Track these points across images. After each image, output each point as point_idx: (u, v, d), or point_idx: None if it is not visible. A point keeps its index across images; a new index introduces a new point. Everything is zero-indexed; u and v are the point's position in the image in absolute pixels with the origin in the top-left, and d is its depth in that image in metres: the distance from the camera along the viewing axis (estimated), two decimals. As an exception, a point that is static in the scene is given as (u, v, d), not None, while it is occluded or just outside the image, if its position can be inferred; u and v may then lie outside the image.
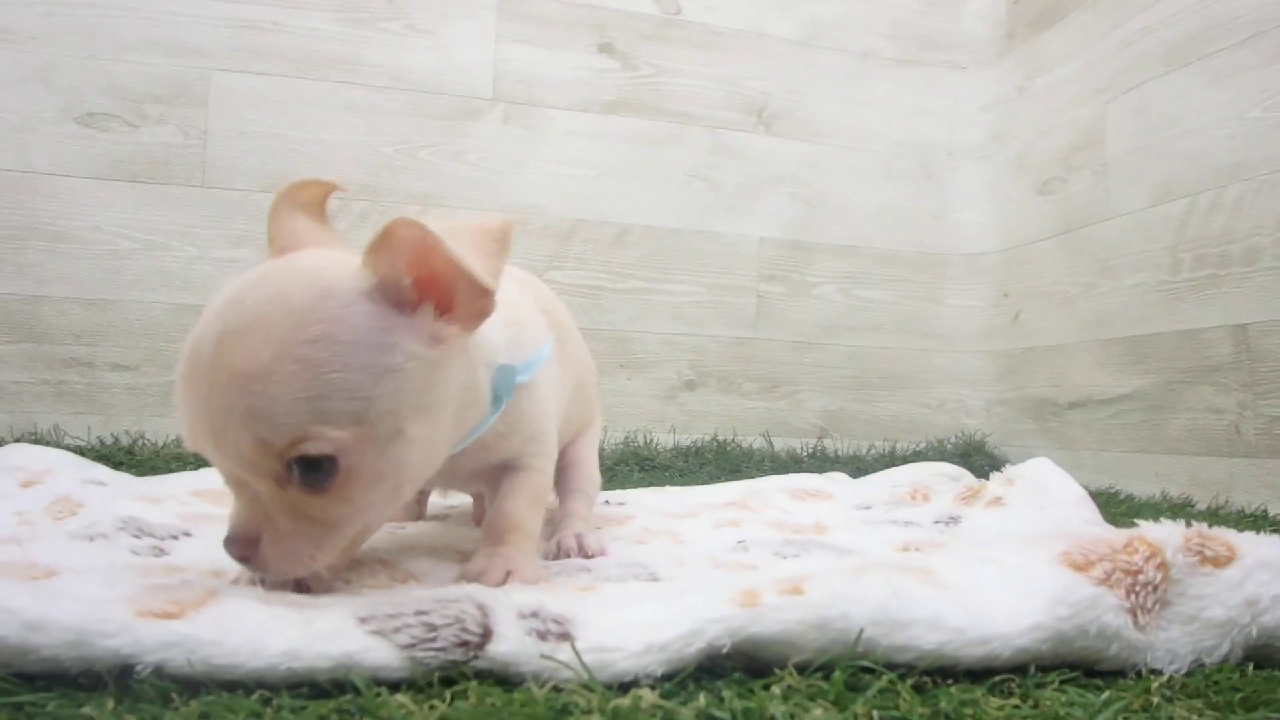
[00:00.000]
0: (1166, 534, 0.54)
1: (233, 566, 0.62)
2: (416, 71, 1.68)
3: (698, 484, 1.49)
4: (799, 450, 1.75)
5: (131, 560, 0.63)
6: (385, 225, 0.52)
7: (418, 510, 0.94)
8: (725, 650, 0.47)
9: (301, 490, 0.51)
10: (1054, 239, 1.69)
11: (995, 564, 0.55)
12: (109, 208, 1.54)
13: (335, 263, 0.54)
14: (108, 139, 1.54)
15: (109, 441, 1.47)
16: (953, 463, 1.68)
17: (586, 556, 0.72)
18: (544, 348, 0.69)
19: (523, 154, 1.72)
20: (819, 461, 1.70)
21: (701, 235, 1.80)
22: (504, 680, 0.45)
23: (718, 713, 0.42)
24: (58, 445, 1.43)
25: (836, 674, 0.46)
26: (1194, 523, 0.57)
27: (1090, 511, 0.85)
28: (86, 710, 0.39)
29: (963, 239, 1.90)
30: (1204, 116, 1.37)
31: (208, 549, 0.68)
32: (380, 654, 0.44)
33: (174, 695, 0.41)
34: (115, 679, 0.42)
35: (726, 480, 1.55)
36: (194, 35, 1.58)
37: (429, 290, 0.54)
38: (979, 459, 1.76)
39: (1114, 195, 1.55)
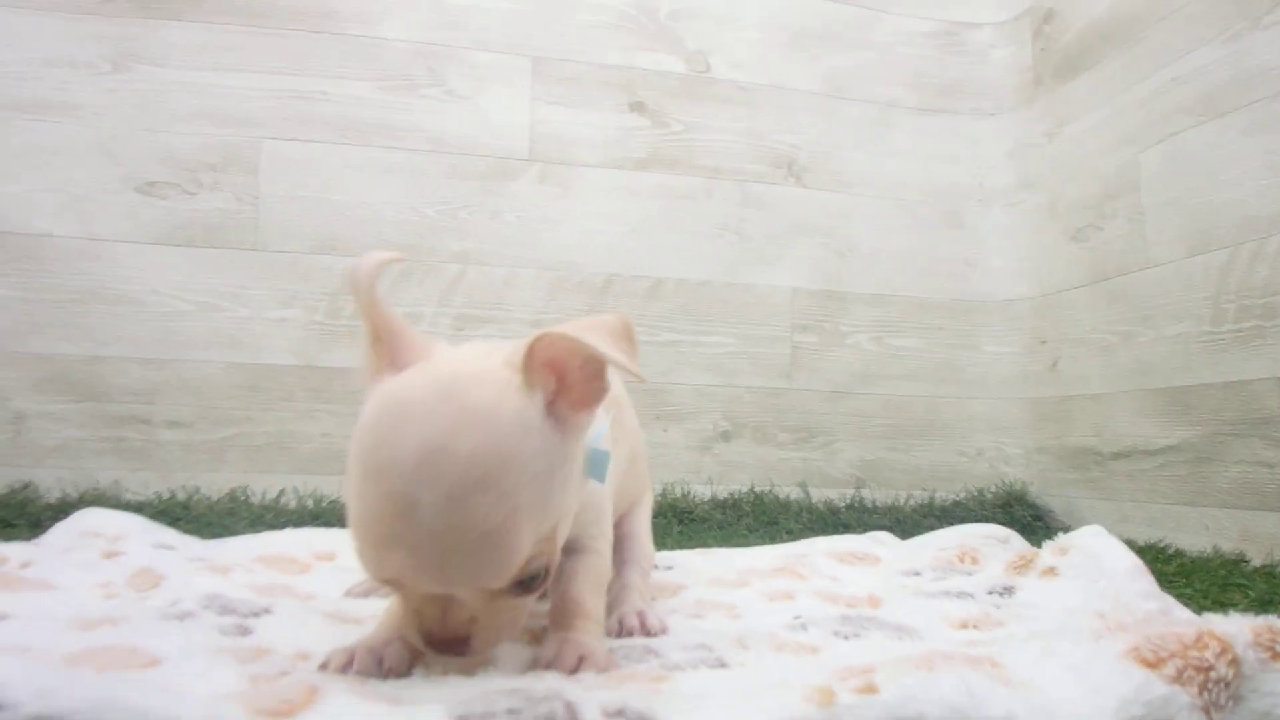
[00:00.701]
0: (1236, 629, 0.54)
1: (317, 649, 0.63)
2: (455, 135, 1.74)
3: (736, 536, 1.49)
4: (836, 501, 1.73)
5: (220, 643, 0.65)
6: (537, 342, 0.54)
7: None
8: None
9: (514, 596, 0.55)
10: (1089, 286, 1.68)
11: (1062, 658, 0.54)
12: (166, 271, 1.62)
13: (502, 379, 0.55)
14: (165, 206, 1.63)
15: (166, 496, 1.52)
16: (994, 513, 1.67)
17: (649, 634, 0.73)
18: (602, 427, 0.69)
19: (558, 211, 1.77)
20: (857, 512, 1.69)
21: (734, 287, 1.82)
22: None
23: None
24: (118, 500, 1.49)
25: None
26: (1263, 616, 0.56)
27: (1146, 583, 0.83)
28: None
29: (995, 285, 1.89)
30: (1239, 167, 1.36)
31: (288, 628, 0.70)
32: (479, 754, 0.45)
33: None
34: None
35: (765, 532, 1.56)
36: (245, 106, 1.67)
37: (561, 387, 0.57)
38: (1020, 509, 1.73)
39: (1151, 244, 1.53)
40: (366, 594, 0.89)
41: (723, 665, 0.63)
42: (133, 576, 0.86)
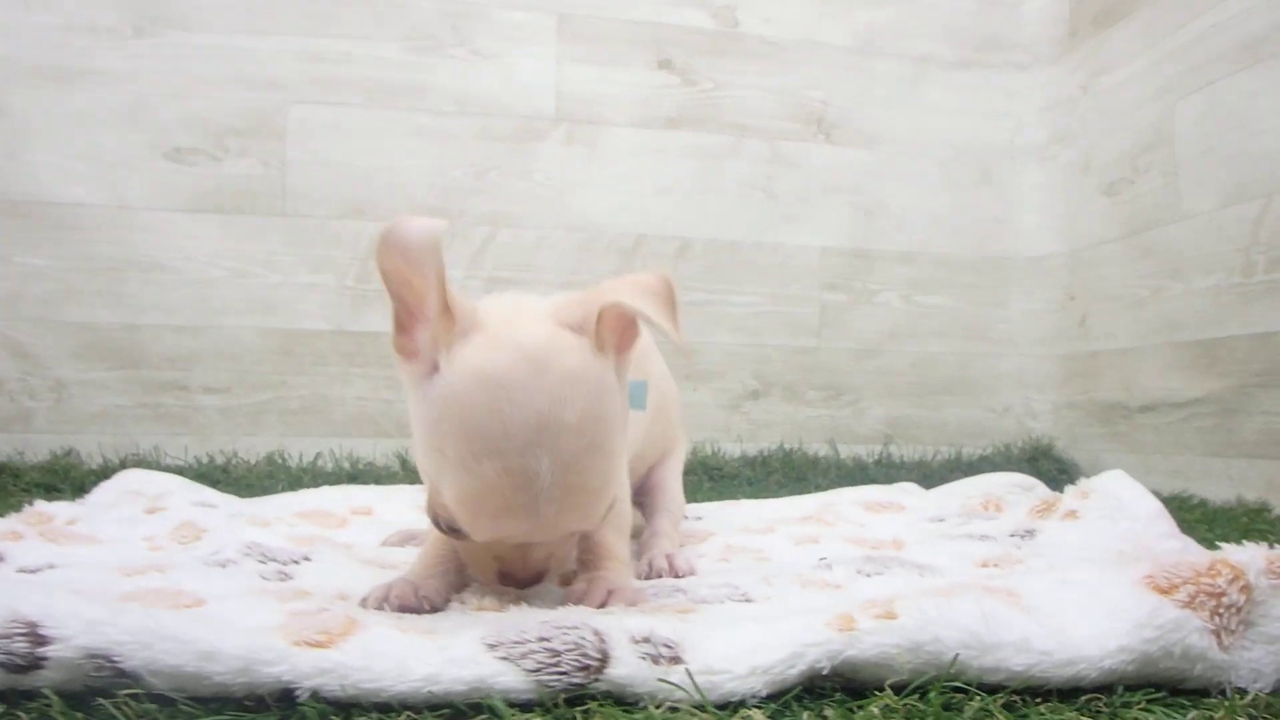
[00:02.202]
0: (1249, 556, 0.55)
1: (356, 590, 0.66)
2: (482, 96, 1.73)
3: (766, 492, 1.51)
4: (864, 457, 1.75)
5: (264, 585, 0.68)
6: (606, 311, 0.58)
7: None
8: (825, 672, 0.50)
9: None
10: (1121, 241, 1.66)
11: (1078, 586, 0.56)
12: (197, 238, 1.63)
13: (577, 345, 0.58)
14: (194, 172, 1.63)
15: (205, 461, 1.55)
16: (1020, 467, 1.68)
17: (677, 576, 0.76)
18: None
19: (586, 172, 1.76)
20: (885, 468, 1.70)
21: (763, 246, 1.81)
22: (621, 701, 0.48)
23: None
24: (158, 465, 1.52)
25: (932, 695, 0.48)
26: (1276, 543, 0.58)
27: (1167, 525, 0.84)
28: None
29: (1026, 242, 1.87)
30: (1277, 116, 1.34)
31: (327, 572, 0.73)
32: (509, 678, 0.48)
33: (332, 716, 0.46)
34: (276, 702, 0.46)
35: (794, 487, 1.58)
36: (271, 70, 1.66)
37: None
38: (1047, 464, 1.74)
39: (1184, 196, 1.51)
40: (403, 543, 0.92)
41: (748, 600, 0.66)
42: (175, 530, 0.89)
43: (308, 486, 1.38)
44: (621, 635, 0.50)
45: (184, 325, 1.62)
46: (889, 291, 1.85)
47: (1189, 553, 0.78)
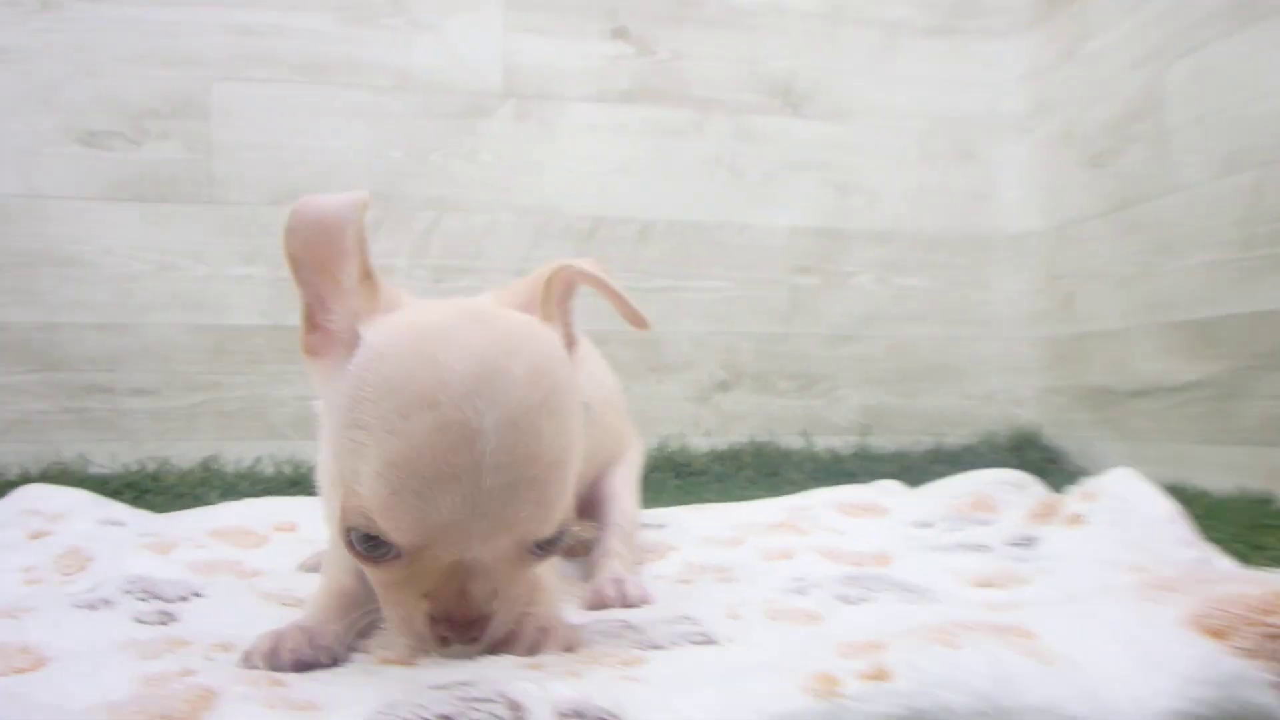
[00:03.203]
0: None
1: (244, 637, 0.56)
2: (422, 69, 1.61)
3: (736, 488, 1.43)
4: (840, 449, 1.67)
5: (132, 635, 0.58)
6: (555, 275, 0.54)
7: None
8: None
9: (536, 557, 0.50)
10: (1107, 216, 1.58)
11: (1107, 625, 0.47)
12: (117, 229, 1.51)
13: (519, 314, 0.53)
14: (112, 157, 1.51)
15: (134, 468, 1.44)
16: (1005, 457, 1.60)
17: (627, 606, 0.66)
18: None
19: (537, 151, 1.65)
20: (862, 460, 1.62)
21: (729, 228, 1.71)
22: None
23: None
24: (83, 474, 1.42)
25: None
26: None
27: (1182, 530, 0.76)
28: None
29: (1006, 219, 1.79)
30: (1274, 77, 1.26)
31: (217, 611, 0.64)
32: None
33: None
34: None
35: (766, 483, 1.49)
36: (191, 45, 1.53)
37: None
38: (1033, 452, 1.66)
39: (1175, 167, 1.43)
40: (320, 566, 0.82)
41: (709, 642, 0.56)
42: (59, 558, 0.80)
43: (244, 494, 1.29)
44: (544, 708, 0.40)
45: (106, 323, 1.51)
46: (863, 273, 1.76)
47: (1212, 566, 0.70)
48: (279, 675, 0.50)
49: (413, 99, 1.61)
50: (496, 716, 0.40)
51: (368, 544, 0.48)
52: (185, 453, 1.50)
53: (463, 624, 0.48)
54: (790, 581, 0.71)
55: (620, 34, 1.69)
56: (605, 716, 0.41)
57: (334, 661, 0.52)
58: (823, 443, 1.68)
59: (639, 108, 1.68)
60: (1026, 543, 0.81)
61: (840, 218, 1.75)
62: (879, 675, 0.43)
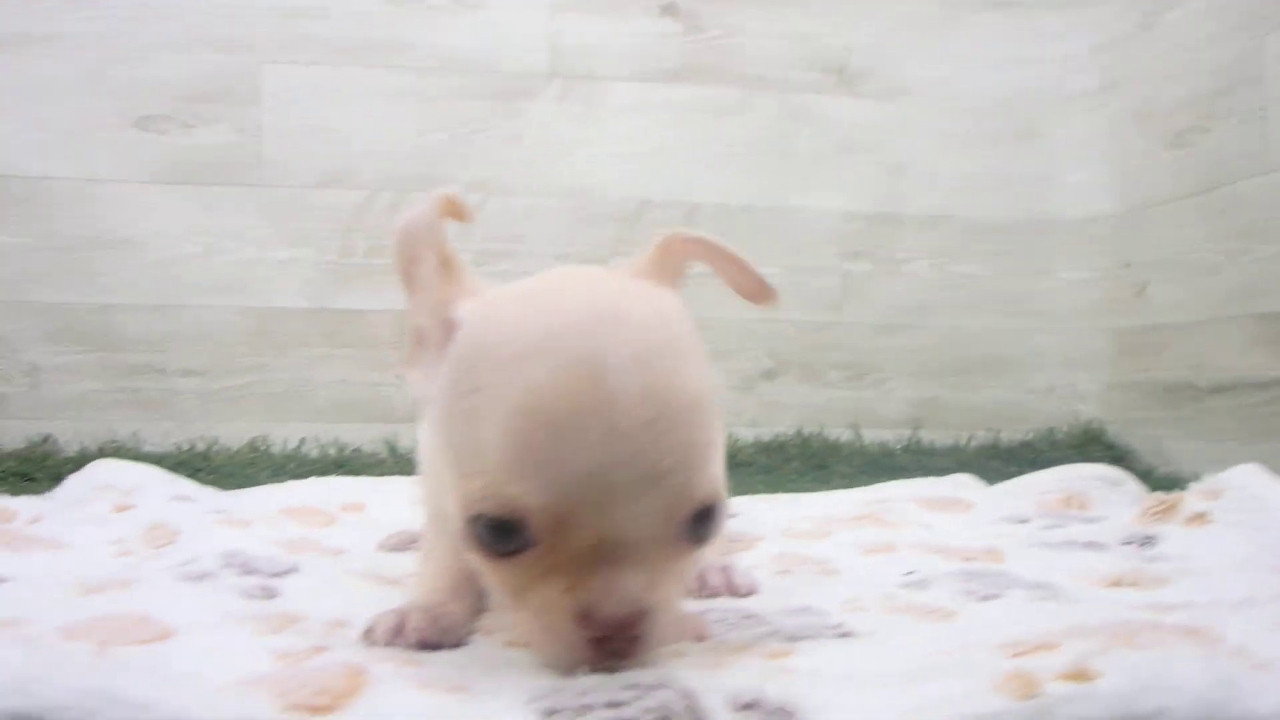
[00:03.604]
0: None
1: (354, 616, 0.54)
2: (467, 50, 1.60)
3: (784, 480, 1.39)
4: (891, 443, 1.61)
5: (245, 608, 0.57)
6: (669, 241, 0.52)
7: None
8: None
9: (690, 545, 0.44)
10: (1188, 199, 1.49)
11: None
12: (169, 212, 1.53)
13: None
14: (164, 141, 1.53)
15: (185, 447, 1.47)
16: (1067, 454, 1.53)
17: (736, 595, 0.62)
18: None
19: (582, 133, 1.62)
20: (914, 454, 1.57)
21: (777, 211, 1.66)
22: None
23: None
24: (137, 452, 1.45)
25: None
26: None
27: None
28: None
29: (1071, 202, 1.70)
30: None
31: (318, 589, 0.63)
32: (575, 760, 0.36)
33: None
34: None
35: (814, 476, 1.45)
36: (240, 28, 1.54)
37: None
38: (1097, 450, 1.58)
39: (1272, 145, 1.33)
40: (404, 546, 0.82)
41: (847, 635, 0.53)
42: (147, 531, 0.80)
43: (292, 474, 1.29)
44: (718, 699, 0.38)
45: (157, 305, 1.53)
46: (918, 260, 1.69)
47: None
48: (413, 655, 0.48)
49: (457, 80, 1.59)
50: (669, 706, 0.37)
51: (495, 534, 0.42)
52: (232, 434, 1.52)
53: (617, 620, 0.41)
54: (903, 576, 0.67)
55: (669, 10, 1.64)
56: (784, 708, 0.38)
57: (457, 644, 0.50)
58: (872, 435, 1.62)
59: (686, 87, 1.64)
60: (1146, 542, 0.75)
61: (894, 201, 1.68)
62: (1081, 676, 0.39)
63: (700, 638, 0.50)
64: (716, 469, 0.45)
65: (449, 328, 0.47)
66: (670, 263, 0.52)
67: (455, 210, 0.50)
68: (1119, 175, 1.64)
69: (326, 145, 1.56)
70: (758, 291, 0.54)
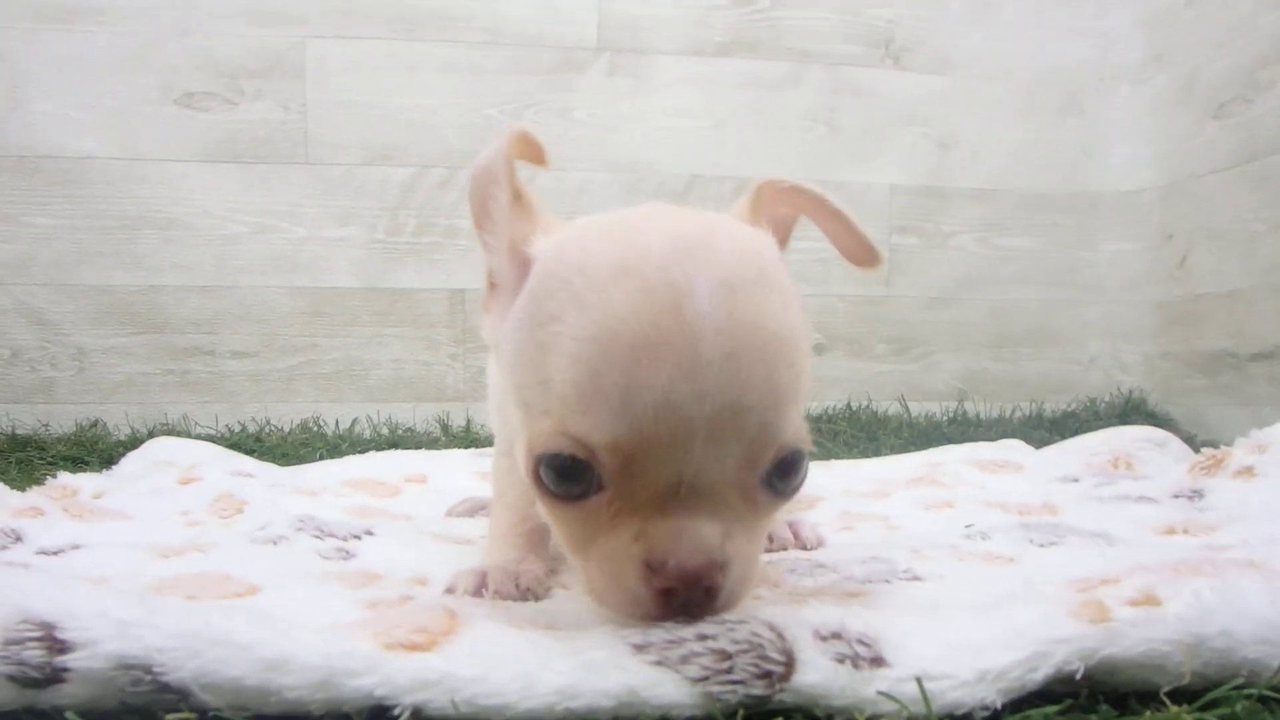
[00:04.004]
0: None
1: (433, 572, 0.55)
2: (515, 23, 1.59)
3: (833, 453, 1.40)
4: (937, 415, 1.63)
5: (324, 567, 0.58)
6: (764, 187, 0.50)
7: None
8: (1077, 676, 0.39)
9: (771, 497, 0.41)
10: (1233, 170, 1.51)
11: None
12: (215, 191, 1.52)
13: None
14: (208, 119, 1.51)
15: (236, 429, 1.46)
16: (1109, 424, 1.55)
17: (804, 548, 0.65)
18: None
19: (632, 107, 1.62)
20: (960, 426, 1.58)
21: (826, 185, 1.60)
22: (811, 717, 0.37)
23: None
24: (187, 435, 1.44)
25: (1239, 706, 0.37)
26: None
27: None
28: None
29: (1117, 176, 1.72)
30: None
31: (394, 550, 0.63)
32: (668, 690, 0.37)
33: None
34: (366, 721, 0.35)
35: (863, 448, 1.46)
36: (284, 2, 1.53)
37: None
38: (1139, 419, 1.60)
39: (1320, 114, 1.36)
40: (472, 513, 0.83)
41: (917, 579, 0.54)
42: (214, 502, 0.80)
43: (347, 454, 1.29)
44: (804, 631, 0.39)
45: (206, 286, 1.52)
46: (964, 233, 1.71)
47: None
48: (501, 603, 0.49)
49: (506, 54, 1.59)
50: (760, 636, 0.38)
51: (562, 476, 0.39)
52: (284, 414, 1.51)
53: (688, 572, 0.38)
54: (964, 528, 0.69)
55: (718, -15, 1.64)
56: (865, 638, 0.39)
57: (537, 600, 0.51)
58: (919, 408, 1.64)
59: (735, 61, 1.64)
60: (1195, 495, 0.78)
61: (941, 175, 1.70)
62: (1150, 601, 0.41)
63: (775, 585, 0.51)
64: (799, 413, 0.41)
65: (524, 265, 0.44)
66: (766, 212, 0.49)
67: (529, 148, 0.47)
68: (1163, 148, 1.66)
69: (374, 121, 1.55)
70: (862, 252, 0.50)
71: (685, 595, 0.39)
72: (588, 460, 0.38)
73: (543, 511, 0.44)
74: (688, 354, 0.37)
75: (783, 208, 0.51)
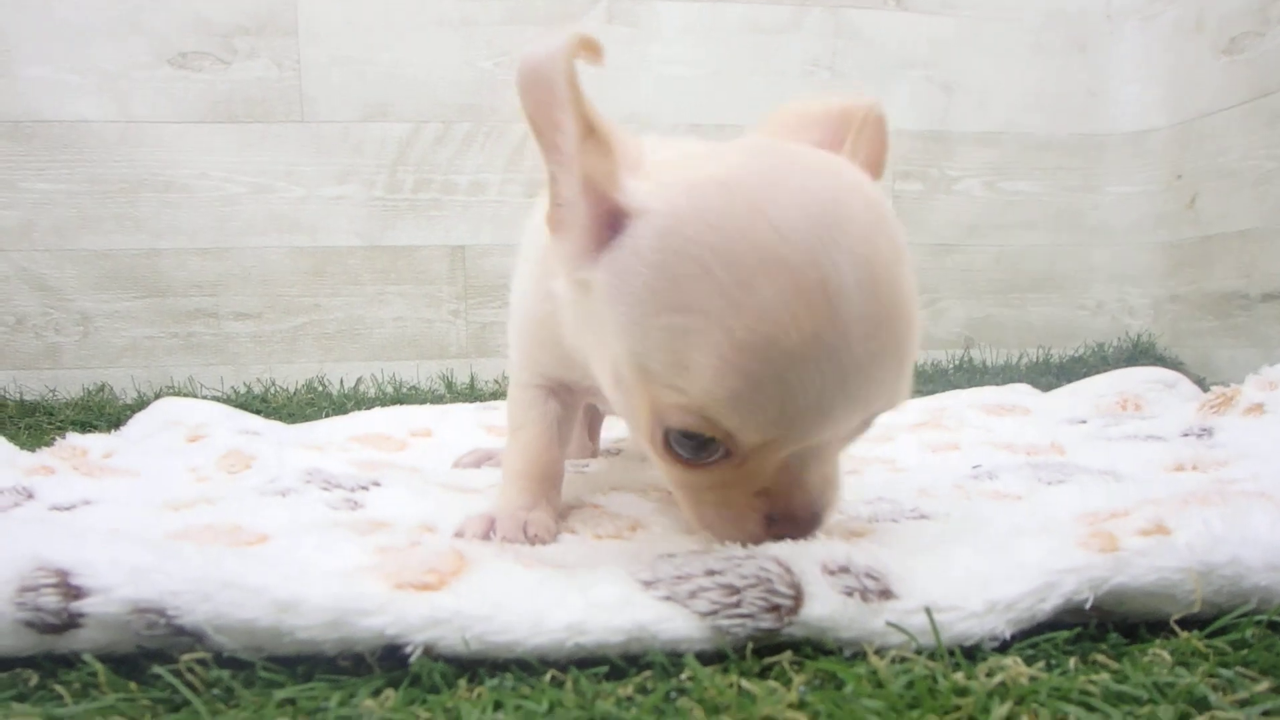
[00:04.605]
0: None
1: (442, 520, 0.56)
2: (510, -26, 1.55)
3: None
4: (944, 362, 1.62)
5: (334, 516, 0.58)
6: (866, 117, 0.47)
7: (592, 446, 0.87)
8: (1086, 605, 0.39)
9: (861, 434, 0.46)
10: (1243, 106, 1.47)
11: None
12: (212, 152, 1.50)
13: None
14: (202, 79, 1.49)
15: (242, 391, 1.47)
16: (1116, 368, 1.54)
17: None
18: None
19: (630, 56, 1.58)
20: (966, 373, 1.58)
21: (830, 133, 1.64)
22: (820, 649, 0.38)
23: (1127, 688, 0.33)
24: (193, 397, 1.44)
25: (1249, 632, 0.37)
26: None
27: None
28: (369, 704, 0.33)
29: (1125, 116, 1.68)
30: None
31: (403, 499, 0.64)
32: (678, 624, 0.37)
33: (455, 679, 0.35)
34: (380, 661, 0.36)
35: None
36: (276, -42, 1.49)
37: None
38: (1147, 363, 1.58)
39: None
40: (479, 464, 0.83)
41: (924, 517, 0.55)
42: (222, 458, 0.81)
43: (353, 413, 1.31)
44: (811, 565, 0.39)
45: (207, 248, 1.51)
46: (970, 178, 1.68)
47: None
48: (509, 545, 0.50)
49: (501, 5, 1.55)
50: (768, 571, 0.39)
51: (689, 445, 0.40)
52: (289, 375, 1.51)
53: (805, 525, 0.42)
54: (970, 469, 0.70)
55: (716, -74, 1.60)
56: (873, 571, 0.40)
57: (544, 545, 0.51)
58: (924, 356, 1.63)
59: (734, 6, 1.60)
60: (1204, 433, 0.78)
61: (946, 119, 1.66)
62: (1159, 531, 0.41)
63: None
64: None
65: (614, 213, 0.41)
66: (865, 150, 0.47)
67: (590, 51, 0.42)
68: (1171, 87, 1.62)
69: (368, 77, 1.52)
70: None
71: (798, 536, 0.43)
72: (723, 440, 0.40)
73: (655, 460, 0.44)
74: (842, 361, 0.38)
75: (876, 146, 0.49)
